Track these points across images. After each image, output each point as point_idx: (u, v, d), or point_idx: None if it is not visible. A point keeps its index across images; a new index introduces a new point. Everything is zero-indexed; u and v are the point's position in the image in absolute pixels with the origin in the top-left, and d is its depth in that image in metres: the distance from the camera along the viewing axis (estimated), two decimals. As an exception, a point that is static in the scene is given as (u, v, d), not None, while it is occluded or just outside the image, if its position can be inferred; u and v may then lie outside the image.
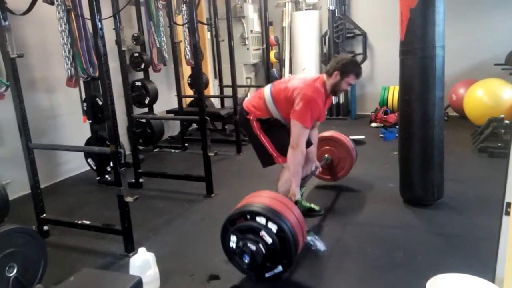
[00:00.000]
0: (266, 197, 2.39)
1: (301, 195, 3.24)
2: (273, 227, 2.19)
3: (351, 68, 2.78)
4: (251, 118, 2.93)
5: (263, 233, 2.20)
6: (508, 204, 1.67)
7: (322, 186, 3.90)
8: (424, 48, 3.00)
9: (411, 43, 3.06)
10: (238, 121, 3.19)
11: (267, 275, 2.28)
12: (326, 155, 3.68)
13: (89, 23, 2.79)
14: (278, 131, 2.93)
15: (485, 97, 5.42)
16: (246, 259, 2.21)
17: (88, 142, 4.34)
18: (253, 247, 2.20)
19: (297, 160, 2.76)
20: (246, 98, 3.10)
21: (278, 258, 2.22)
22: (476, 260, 2.46)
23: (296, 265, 2.57)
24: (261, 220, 2.22)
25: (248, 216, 2.27)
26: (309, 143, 3.06)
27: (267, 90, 2.94)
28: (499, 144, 4.54)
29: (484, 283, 1.80)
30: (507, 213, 1.68)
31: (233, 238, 2.29)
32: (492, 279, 1.82)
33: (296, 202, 2.93)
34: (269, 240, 2.19)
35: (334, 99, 7.03)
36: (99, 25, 2.51)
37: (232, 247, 2.31)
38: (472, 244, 2.70)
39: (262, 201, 2.34)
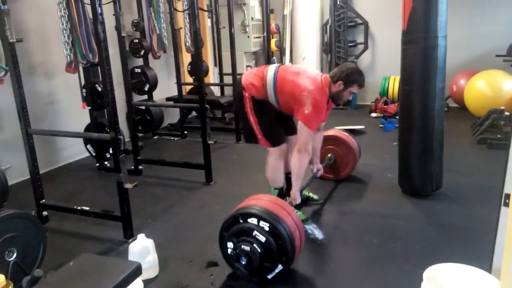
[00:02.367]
0: (261, 200, 2.38)
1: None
2: (265, 225, 2.18)
3: (355, 78, 2.76)
4: (246, 95, 2.83)
5: (255, 232, 2.18)
6: (507, 196, 1.66)
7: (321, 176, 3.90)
8: (426, 38, 2.99)
9: (413, 33, 3.04)
10: (233, 93, 3.10)
11: (269, 276, 2.25)
12: (329, 155, 3.66)
13: (88, 8, 2.77)
14: (268, 114, 2.86)
15: (485, 88, 5.41)
16: (243, 261, 2.20)
17: (88, 129, 4.33)
18: (247, 248, 2.18)
19: (303, 164, 2.74)
20: (246, 72, 2.99)
21: (275, 257, 2.19)
22: (473, 251, 2.48)
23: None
24: (253, 220, 2.21)
25: (240, 219, 2.26)
26: (292, 131, 3.03)
27: (270, 73, 2.80)
28: (499, 136, 4.54)
29: (480, 273, 1.81)
30: (506, 204, 1.69)
31: (230, 245, 2.28)
32: (489, 269, 1.83)
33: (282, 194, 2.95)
34: (262, 238, 2.17)
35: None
36: (99, 10, 2.48)
37: (230, 254, 2.30)
38: (470, 235, 2.71)
39: (256, 203, 2.33)
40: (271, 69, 2.83)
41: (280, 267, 2.22)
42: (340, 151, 3.69)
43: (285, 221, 2.21)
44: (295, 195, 2.80)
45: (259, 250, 2.18)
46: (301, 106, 2.67)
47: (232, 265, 2.33)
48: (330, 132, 3.74)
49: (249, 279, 2.31)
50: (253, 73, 2.91)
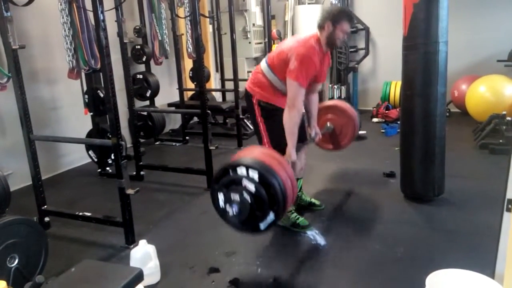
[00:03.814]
0: (252, 151, 2.33)
1: (300, 189, 3.24)
2: (254, 174, 2.12)
3: (342, 14, 2.69)
4: (254, 101, 2.84)
5: (245, 182, 2.12)
6: (509, 201, 1.66)
7: (323, 181, 3.90)
8: (427, 44, 2.99)
9: (414, 38, 3.05)
10: (246, 103, 3.07)
11: (262, 226, 2.18)
12: (328, 124, 3.55)
13: (91, 15, 2.79)
14: (276, 124, 2.81)
15: (487, 93, 5.40)
16: (234, 210, 2.14)
17: (89, 134, 4.34)
18: (237, 197, 2.12)
19: (293, 120, 2.65)
20: (248, 80, 3.00)
21: (266, 206, 2.13)
22: (476, 256, 2.47)
23: (296, 259, 2.58)
24: (242, 170, 2.15)
25: (230, 170, 2.20)
26: (303, 139, 3.01)
27: (263, 62, 2.85)
28: (501, 141, 4.53)
29: (483, 279, 1.80)
30: (508, 210, 1.68)
31: (221, 197, 2.21)
32: (491, 275, 1.82)
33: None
34: (251, 187, 2.11)
35: (336, 93, 7.01)
36: (101, 17, 2.50)
37: (222, 207, 2.23)
38: (472, 240, 2.70)
39: (246, 154, 2.28)
40: (262, 61, 2.89)
41: (272, 216, 2.15)
42: (340, 120, 3.56)
43: (275, 169, 2.15)
44: (290, 151, 2.69)
45: (250, 199, 2.11)
46: (288, 65, 2.64)
47: (225, 218, 2.27)
48: (330, 102, 3.66)
49: (242, 230, 2.27)
50: (251, 76, 2.96)
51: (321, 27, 2.73)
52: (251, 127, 5.39)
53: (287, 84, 2.65)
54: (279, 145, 2.73)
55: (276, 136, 2.80)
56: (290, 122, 2.66)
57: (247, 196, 2.12)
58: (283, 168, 2.23)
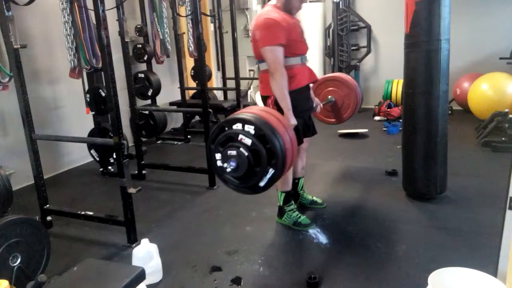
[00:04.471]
0: (249, 108, 2.29)
1: (302, 187, 3.24)
2: (250, 128, 2.07)
3: None
4: (270, 102, 2.77)
5: (241, 136, 2.08)
6: (512, 199, 1.66)
7: (325, 179, 3.90)
8: (429, 42, 2.98)
9: (416, 36, 3.03)
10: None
11: (261, 183, 2.13)
12: (329, 96, 3.52)
13: (92, 14, 2.79)
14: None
15: (489, 91, 5.38)
16: (231, 166, 2.08)
17: (91, 133, 4.34)
18: (234, 152, 2.07)
19: (280, 84, 2.59)
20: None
21: (265, 160, 2.07)
22: (478, 254, 2.46)
23: (298, 258, 2.58)
24: (238, 126, 2.11)
25: (226, 127, 2.16)
26: (300, 140, 2.91)
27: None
28: (503, 139, 4.52)
29: (486, 277, 1.79)
30: (511, 208, 1.68)
31: (218, 156, 2.17)
32: (494, 273, 1.82)
33: (297, 194, 2.88)
34: (248, 141, 2.07)
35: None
36: (102, 16, 2.50)
37: (220, 166, 2.17)
38: (475, 238, 2.70)
39: (243, 111, 2.23)
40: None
41: (271, 171, 2.10)
42: (341, 93, 3.54)
43: (272, 124, 2.11)
44: (287, 115, 2.62)
45: (246, 153, 2.06)
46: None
47: (223, 177, 2.23)
48: (331, 74, 3.64)
49: (242, 189, 2.23)
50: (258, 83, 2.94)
51: None
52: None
53: (262, 55, 2.63)
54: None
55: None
56: (278, 86, 2.61)
57: (244, 150, 2.06)
58: (281, 124, 2.18)
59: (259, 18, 2.66)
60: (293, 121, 2.62)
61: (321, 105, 3.21)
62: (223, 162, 2.14)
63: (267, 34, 2.58)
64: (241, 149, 2.07)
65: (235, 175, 2.15)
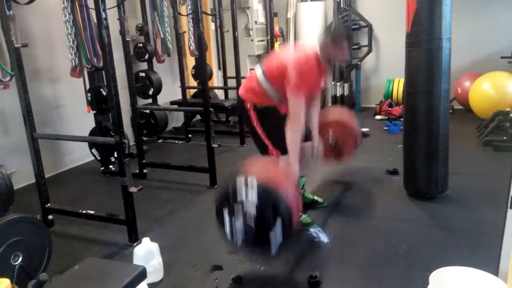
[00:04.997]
0: (251, 170, 2.31)
1: (303, 187, 3.24)
2: (253, 196, 2.11)
3: (342, 35, 2.69)
4: (248, 107, 2.84)
5: (246, 206, 2.12)
6: (513, 198, 1.66)
7: (326, 179, 3.89)
8: (431, 40, 2.98)
9: (417, 35, 3.03)
10: (237, 111, 3.07)
11: (272, 247, 2.17)
12: (330, 137, 3.49)
13: (93, 13, 2.79)
14: (273, 123, 2.82)
15: (490, 90, 5.38)
16: (241, 238, 2.14)
17: (92, 133, 4.35)
18: (240, 223, 2.13)
19: (296, 133, 2.64)
20: (241, 85, 3.00)
21: (271, 226, 2.11)
22: (479, 254, 2.46)
23: (299, 257, 2.58)
24: (241, 196, 2.14)
25: (230, 199, 2.19)
26: (307, 137, 3.00)
27: (258, 71, 2.83)
28: (504, 138, 4.52)
29: (487, 277, 1.79)
30: (512, 207, 1.68)
31: (227, 225, 2.22)
32: (495, 272, 1.82)
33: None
34: (253, 211, 2.11)
35: (338, 91, 7.00)
36: (103, 15, 2.50)
37: (229, 236, 2.23)
38: (476, 238, 2.69)
39: (244, 174, 2.24)
40: (257, 68, 2.87)
41: (279, 234, 2.14)
42: (342, 134, 3.53)
43: (275, 187, 2.15)
44: (293, 164, 2.64)
45: (252, 222, 2.12)
46: (287, 77, 2.64)
47: (234, 246, 2.27)
48: (331, 117, 3.66)
49: (254, 255, 2.30)
50: (245, 81, 2.99)
51: (321, 44, 2.72)
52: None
53: (288, 98, 2.66)
54: (279, 143, 2.71)
55: (275, 134, 2.77)
56: (293, 134, 2.66)
57: (250, 221, 2.13)
58: (284, 184, 2.23)
59: (303, 58, 2.67)
60: (297, 169, 2.67)
61: (322, 146, 3.18)
62: (231, 235, 2.21)
63: (301, 85, 2.61)
64: (248, 218, 2.12)
65: (245, 245, 2.22)
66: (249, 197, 2.14)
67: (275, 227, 2.13)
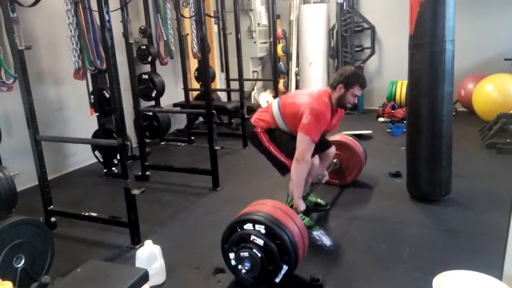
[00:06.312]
0: (257, 205, 2.39)
1: (308, 194, 3.23)
2: (261, 228, 2.18)
3: (355, 79, 2.74)
4: (258, 130, 2.93)
5: (253, 237, 2.18)
6: (517, 201, 1.65)
7: (329, 181, 3.88)
8: (434, 43, 2.97)
9: (420, 37, 3.03)
10: (247, 136, 3.19)
11: (277, 280, 2.23)
12: (334, 160, 3.60)
13: (96, 16, 2.79)
14: (285, 139, 2.91)
15: (494, 92, 5.36)
16: (246, 268, 2.19)
17: (95, 135, 4.36)
18: (247, 254, 2.18)
19: (301, 173, 2.74)
20: (255, 113, 3.10)
21: (277, 259, 2.18)
22: (483, 257, 2.45)
23: (302, 259, 2.57)
24: (248, 226, 2.22)
25: (237, 228, 2.27)
26: (329, 145, 3.14)
27: (275, 104, 2.95)
28: (508, 140, 4.50)
29: (491, 281, 1.78)
30: (516, 210, 1.67)
31: (232, 255, 2.29)
32: (499, 276, 1.81)
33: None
34: (260, 242, 2.17)
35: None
36: (107, 18, 2.50)
37: (234, 266, 2.29)
38: (480, 241, 2.68)
39: (251, 209, 2.34)
40: (274, 102, 2.99)
41: (285, 267, 2.20)
42: (346, 156, 3.66)
43: (281, 220, 2.20)
44: (297, 203, 2.80)
45: (259, 254, 2.16)
46: (301, 119, 2.73)
47: (239, 276, 2.32)
48: (335, 137, 3.71)
49: (258, 286, 2.29)
50: (260, 111, 3.08)
51: (333, 87, 2.79)
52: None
53: (298, 138, 2.73)
54: (293, 154, 2.78)
55: (288, 147, 2.84)
56: (298, 174, 2.75)
57: (256, 251, 2.16)
58: (290, 218, 2.28)
59: (316, 100, 2.76)
60: (302, 207, 2.79)
61: (327, 177, 3.34)
62: (237, 263, 2.26)
63: (313, 127, 2.69)
64: (254, 250, 2.17)
65: (250, 275, 2.25)
66: (256, 227, 2.20)
67: (281, 258, 2.19)
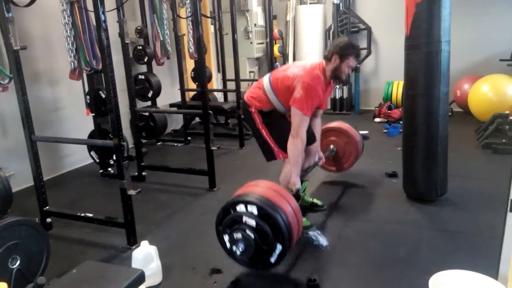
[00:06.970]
0: (248, 187, 2.38)
1: (304, 190, 3.23)
2: (253, 209, 2.17)
3: (350, 50, 2.72)
4: (253, 110, 2.89)
5: (245, 218, 2.17)
6: (513, 201, 1.65)
7: (325, 182, 3.89)
8: (430, 43, 2.98)
9: (416, 38, 3.03)
10: (241, 115, 3.14)
11: (272, 260, 2.22)
12: (331, 146, 3.62)
13: (92, 16, 2.78)
14: (279, 126, 2.89)
15: (490, 93, 5.39)
16: (240, 249, 2.18)
17: (91, 135, 4.34)
18: (240, 235, 2.17)
19: (297, 149, 2.70)
20: (247, 90, 3.06)
21: (271, 239, 2.16)
22: (479, 257, 2.46)
23: (298, 259, 2.57)
24: (240, 207, 2.21)
25: (230, 210, 2.26)
26: (312, 139, 3.04)
27: (266, 79, 2.90)
28: (504, 141, 4.52)
29: (487, 280, 1.79)
30: (512, 210, 1.67)
31: (226, 238, 2.28)
32: (495, 276, 1.81)
33: (298, 195, 2.92)
34: (252, 222, 2.16)
35: (338, 93, 7.01)
36: (103, 18, 2.50)
37: (229, 247, 2.29)
38: (476, 241, 2.69)
39: (244, 190, 2.33)
40: (265, 77, 2.94)
41: (279, 247, 2.18)
42: (342, 142, 3.66)
43: (274, 201, 2.20)
44: (294, 181, 2.74)
45: (252, 235, 2.15)
46: (293, 93, 2.69)
47: (235, 258, 2.31)
48: (333, 124, 3.71)
49: (254, 267, 2.30)
50: (251, 88, 3.03)
51: (328, 58, 2.77)
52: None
53: (292, 113, 2.70)
54: (285, 144, 2.76)
55: (282, 137, 2.81)
56: (294, 150, 2.71)
57: (249, 232, 2.16)
58: (283, 198, 2.27)
59: (308, 74, 2.71)
60: (298, 185, 2.74)
61: (324, 159, 3.29)
62: (231, 245, 2.25)
63: (305, 101, 2.65)
64: (247, 231, 2.17)
65: (244, 256, 2.23)
66: (248, 208, 2.18)
67: (275, 238, 2.18)
